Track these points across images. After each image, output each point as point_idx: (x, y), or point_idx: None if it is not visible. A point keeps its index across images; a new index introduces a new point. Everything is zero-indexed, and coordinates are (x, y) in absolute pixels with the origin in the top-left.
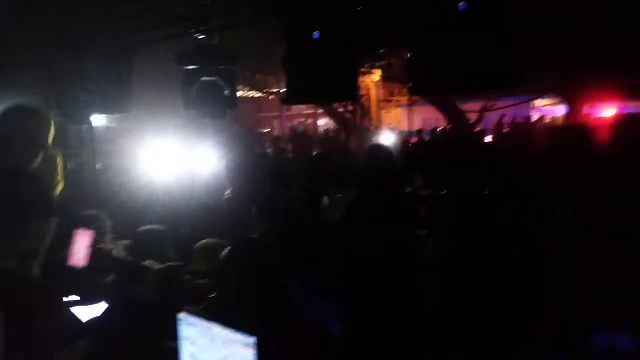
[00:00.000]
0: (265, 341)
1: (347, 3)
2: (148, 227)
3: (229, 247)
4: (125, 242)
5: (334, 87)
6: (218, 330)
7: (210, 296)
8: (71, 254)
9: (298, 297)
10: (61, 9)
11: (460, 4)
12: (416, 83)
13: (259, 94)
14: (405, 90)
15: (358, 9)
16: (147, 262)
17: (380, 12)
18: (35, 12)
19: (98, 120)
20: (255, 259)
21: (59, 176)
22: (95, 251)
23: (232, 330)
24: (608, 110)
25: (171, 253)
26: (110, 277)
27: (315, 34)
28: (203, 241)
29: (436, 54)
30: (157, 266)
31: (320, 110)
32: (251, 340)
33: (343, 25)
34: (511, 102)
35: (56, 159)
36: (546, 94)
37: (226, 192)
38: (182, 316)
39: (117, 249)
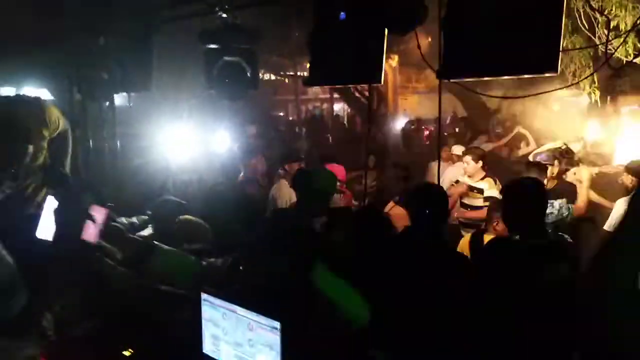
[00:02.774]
0: (290, 326)
1: None
2: (165, 197)
3: (265, 224)
4: (142, 217)
5: (359, 69)
6: (243, 313)
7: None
8: (85, 230)
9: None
10: None
11: None
12: (444, 66)
13: (274, 77)
14: (422, 77)
15: None
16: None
17: None
18: None
19: (116, 100)
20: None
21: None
22: (109, 229)
23: (258, 313)
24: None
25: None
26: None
27: (342, 15)
28: (185, 217)
29: (466, 35)
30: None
31: (336, 95)
32: (277, 324)
33: (370, 6)
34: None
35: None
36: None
37: (241, 174)
38: (205, 297)
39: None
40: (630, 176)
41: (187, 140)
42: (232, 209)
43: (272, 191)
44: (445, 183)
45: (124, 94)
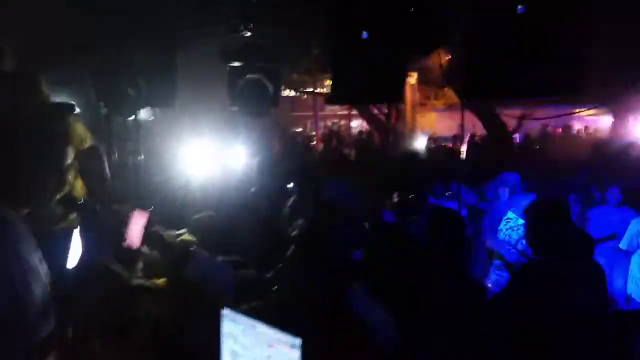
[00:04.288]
0: (312, 343)
1: (398, 4)
2: (207, 213)
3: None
4: (167, 232)
5: (380, 89)
6: (262, 329)
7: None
8: (127, 234)
9: (358, 302)
10: (110, 4)
11: (519, 7)
12: (468, 86)
13: (293, 93)
14: (441, 94)
15: (411, 10)
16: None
17: (433, 13)
18: (83, 7)
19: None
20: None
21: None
22: (148, 234)
23: (277, 330)
24: None
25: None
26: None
27: (364, 35)
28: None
29: (492, 56)
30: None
31: (354, 112)
32: (297, 341)
33: (393, 26)
34: (552, 111)
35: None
36: (592, 105)
37: (252, 189)
38: (226, 312)
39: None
40: None
41: (208, 156)
42: (249, 225)
43: (287, 206)
44: None
45: (146, 109)
